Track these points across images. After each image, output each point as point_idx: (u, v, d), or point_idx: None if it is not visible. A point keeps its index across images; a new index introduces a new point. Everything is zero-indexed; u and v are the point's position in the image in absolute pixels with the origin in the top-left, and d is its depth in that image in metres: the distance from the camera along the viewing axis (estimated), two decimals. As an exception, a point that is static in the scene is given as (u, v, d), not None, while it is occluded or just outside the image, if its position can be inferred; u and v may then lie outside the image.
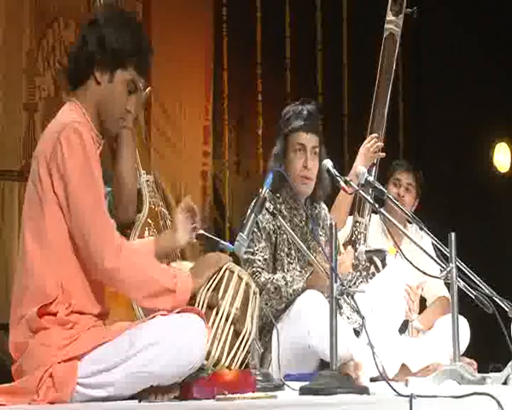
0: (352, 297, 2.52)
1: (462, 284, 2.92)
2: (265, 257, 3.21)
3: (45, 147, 2.38)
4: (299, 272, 3.28)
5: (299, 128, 3.34)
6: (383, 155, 3.82)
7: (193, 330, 2.32)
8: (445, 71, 5.81)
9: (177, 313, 2.37)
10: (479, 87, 5.67)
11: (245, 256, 3.14)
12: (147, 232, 3.13)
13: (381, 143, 3.80)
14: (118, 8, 2.51)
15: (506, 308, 2.96)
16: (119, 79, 2.44)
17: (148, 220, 3.16)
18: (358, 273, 3.54)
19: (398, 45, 3.88)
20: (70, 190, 2.33)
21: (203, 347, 2.34)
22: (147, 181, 3.14)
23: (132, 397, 2.32)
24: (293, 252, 3.29)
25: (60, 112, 2.47)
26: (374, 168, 3.80)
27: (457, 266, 2.86)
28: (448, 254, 2.85)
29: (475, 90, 5.68)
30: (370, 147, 3.78)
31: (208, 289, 2.47)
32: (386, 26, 3.91)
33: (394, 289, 3.39)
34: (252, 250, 3.19)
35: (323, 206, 3.54)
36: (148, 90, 3.03)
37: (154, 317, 2.36)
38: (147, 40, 2.53)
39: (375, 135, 3.80)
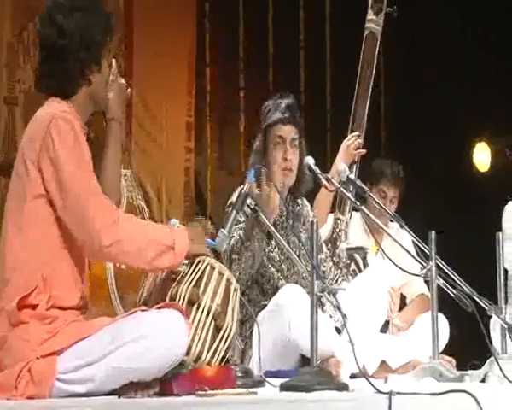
0: (334, 295, 2.53)
1: (441, 282, 2.94)
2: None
3: (34, 139, 2.36)
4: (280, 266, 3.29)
5: (278, 121, 3.35)
6: (364, 151, 3.84)
7: (174, 326, 2.32)
8: (427, 70, 5.85)
9: (158, 309, 2.37)
10: (458, 87, 5.71)
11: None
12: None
13: (361, 141, 3.81)
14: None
15: (485, 307, 2.98)
16: (105, 64, 2.47)
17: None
18: (339, 271, 3.55)
19: (378, 44, 3.90)
20: (63, 178, 2.32)
21: (184, 343, 2.34)
22: (124, 175, 3.14)
23: (112, 393, 2.32)
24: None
25: (46, 104, 2.45)
26: (355, 165, 3.82)
27: (437, 264, 2.88)
28: (428, 253, 2.87)
29: (455, 89, 5.71)
30: (351, 144, 3.80)
31: (189, 285, 2.47)
32: (367, 24, 3.93)
33: (378, 289, 3.40)
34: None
35: (306, 202, 3.54)
36: (128, 90, 3.03)
37: (135, 312, 2.36)
38: (104, 8, 2.50)
39: (356, 133, 3.82)
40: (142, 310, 2.37)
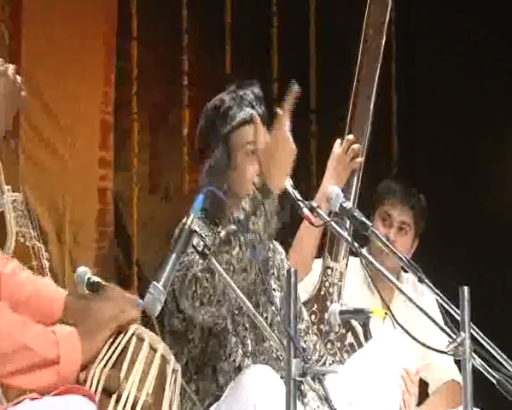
0: (321, 381, 2.53)
1: (478, 361, 2.96)
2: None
3: None
4: (244, 337, 3.30)
5: (247, 120, 3.34)
6: (361, 159, 3.85)
7: None
8: (448, 54, 5.93)
9: (55, 395, 2.39)
10: (497, 81, 5.79)
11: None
12: (13, 278, 3.10)
13: (358, 146, 3.82)
14: None
15: (540, 398, 3.02)
16: None
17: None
18: (329, 345, 3.56)
19: (388, 10, 3.93)
20: None
21: None
22: (13, 202, 3.14)
23: None
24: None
25: None
26: (353, 187, 3.83)
27: (472, 335, 2.90)
28: (459, 318, 2.88)
29: (491, 85, 5.79)
30: (343, 153, 3.82)
31: (105, 365, 2.48)
32: (372, -17, 3.97)
33: (386, 373, 3.39)
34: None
35: (279, 249, 3.53)
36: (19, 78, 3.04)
37: (20, 402, 2.39)
38: None
39: (350, 136, 3.83)
40: (32, 398, 2.39)
